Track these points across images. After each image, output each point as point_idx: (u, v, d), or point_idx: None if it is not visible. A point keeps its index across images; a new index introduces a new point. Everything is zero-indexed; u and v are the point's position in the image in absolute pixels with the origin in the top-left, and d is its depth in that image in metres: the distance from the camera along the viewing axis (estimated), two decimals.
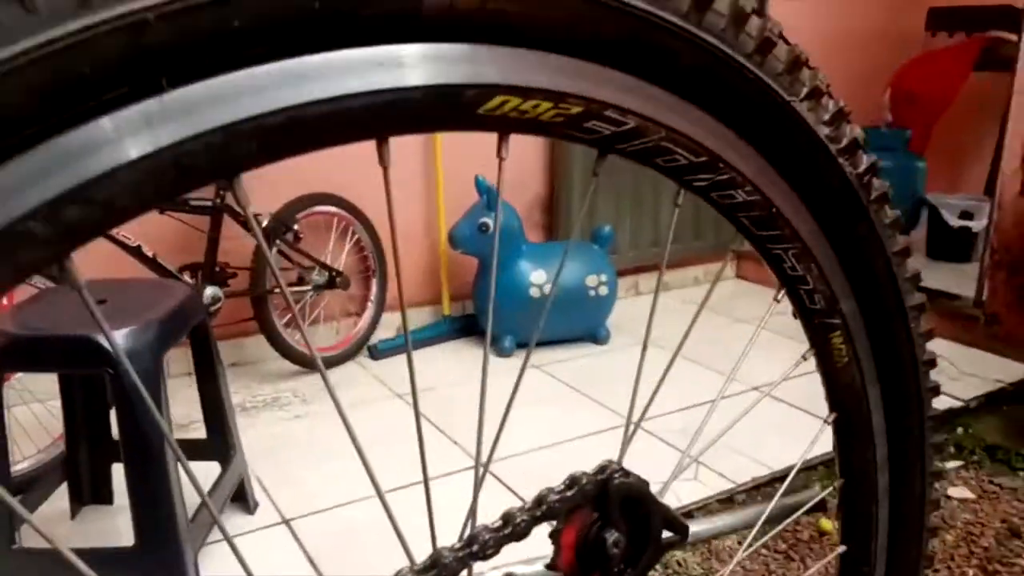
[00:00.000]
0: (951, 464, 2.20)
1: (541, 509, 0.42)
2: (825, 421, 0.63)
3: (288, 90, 0.29)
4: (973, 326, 2.96)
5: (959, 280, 3.24)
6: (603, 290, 2.78)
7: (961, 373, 2.68)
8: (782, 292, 0.58)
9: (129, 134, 0.26)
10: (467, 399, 2.37)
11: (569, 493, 0.43)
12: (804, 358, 0.61)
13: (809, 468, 2.04)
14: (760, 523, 0.69)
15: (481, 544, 0.41)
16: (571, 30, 0.35)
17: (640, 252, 3.35)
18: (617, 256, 3.09)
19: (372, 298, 2.73)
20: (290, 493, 1.85)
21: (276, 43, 0.28)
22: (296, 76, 0.29)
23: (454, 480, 1.91)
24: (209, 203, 2.27)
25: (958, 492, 2.09)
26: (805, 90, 0.46)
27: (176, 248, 2.32)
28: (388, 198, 0.35)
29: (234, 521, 1.72)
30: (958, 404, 2.44)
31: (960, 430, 2.35)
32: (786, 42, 0.44)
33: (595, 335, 2.88)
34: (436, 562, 0.39)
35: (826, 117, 0.49)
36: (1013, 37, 2.83)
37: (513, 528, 0.42)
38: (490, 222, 2.63)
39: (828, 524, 1.85)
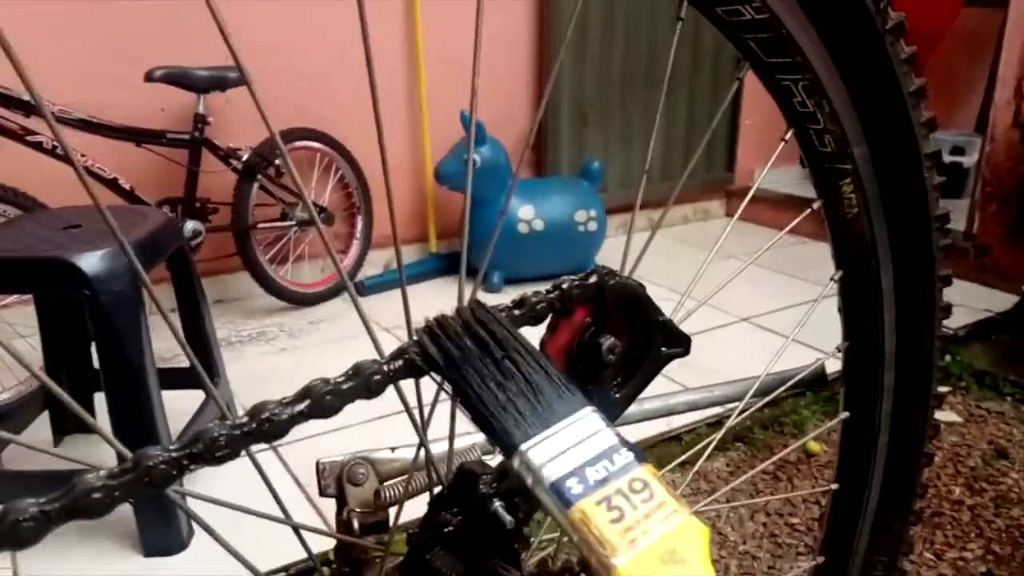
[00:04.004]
0: (940, 389, 2.21)
1: (523, 310, 0.39)
2: (831, 279, 0.60)
3: None
4: (963, 259, 2.95)
5: (951, 215, 3.23)
6: (592, 225, 2.74)
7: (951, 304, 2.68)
8: (789, 132, 0.54)
9: None
10: None
11: (553, 295, 0.40)
12: (812, 208, 0.58)
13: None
14: (750, 395, 0.67)
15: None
16: None
17: (631, 190, 3.31)
18: (607, 195, 3.04)
19: (358, 235, 2.68)
20: None
21: None
22: None
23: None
24: (187, 136, 2.21)
25: (945, 416, 2.09)
26: None
27: (154, 182, 2.26)
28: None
29: None
30: (947, 333, 2.43)
31: (948, 358, 2.35)
32: None
33: (584, 271, 2.85)
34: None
35: None
36: None
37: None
38: (477, 157, 2.57)
39: (816, 446, 1.86)
